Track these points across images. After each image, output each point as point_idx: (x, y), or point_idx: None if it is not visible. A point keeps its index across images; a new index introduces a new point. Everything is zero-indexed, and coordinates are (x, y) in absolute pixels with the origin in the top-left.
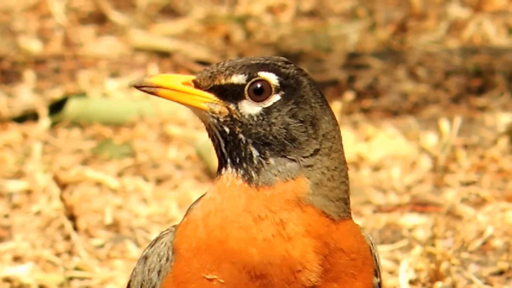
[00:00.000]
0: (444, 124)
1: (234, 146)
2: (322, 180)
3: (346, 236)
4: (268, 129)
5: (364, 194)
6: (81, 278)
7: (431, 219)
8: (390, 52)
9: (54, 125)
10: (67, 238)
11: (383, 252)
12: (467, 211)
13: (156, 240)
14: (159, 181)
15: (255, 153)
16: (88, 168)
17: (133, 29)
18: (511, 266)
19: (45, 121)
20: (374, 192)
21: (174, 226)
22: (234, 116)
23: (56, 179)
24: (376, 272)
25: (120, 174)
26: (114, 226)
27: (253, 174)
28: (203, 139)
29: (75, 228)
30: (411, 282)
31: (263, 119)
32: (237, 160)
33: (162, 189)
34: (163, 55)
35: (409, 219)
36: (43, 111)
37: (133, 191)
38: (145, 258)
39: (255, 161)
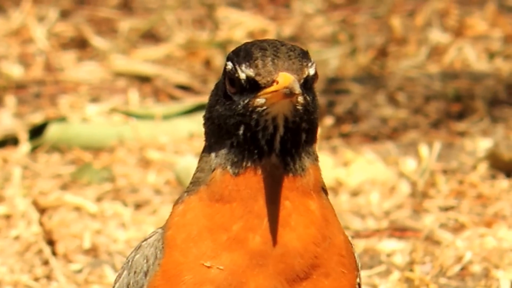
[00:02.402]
0: (423, 149)
1: (292, 135)
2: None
3: (338, 232)
4: (315, 115)
5: (342, 219)
6: None
7: (410, 244)
8: (370, 77)
9: (34, 149)
10: (46, 262)
11: (361, 278)
12: (446, 236)
13: (140, 246)
14: (138, 206)
15: (303, 139)
16: (67, 193)
17: (114, 54)
18: None
19: (25, 145)
20: (353, 217)
21: (160, 227)
22: (308, 106)
23: (35, 203)
24: (358, 272)
25: (99, 199)
26: (93, 251)
27: (295, 162)
28: (182, 163)
29: (54, 253)
30: None
31: (314, 105)
32: (287, 148)
33: (141, 214)
34: (143, 80)
35: (388, 245)
36: (23, 136)
37: (112, 215)
38: (130, 262)
39: (301, 148)
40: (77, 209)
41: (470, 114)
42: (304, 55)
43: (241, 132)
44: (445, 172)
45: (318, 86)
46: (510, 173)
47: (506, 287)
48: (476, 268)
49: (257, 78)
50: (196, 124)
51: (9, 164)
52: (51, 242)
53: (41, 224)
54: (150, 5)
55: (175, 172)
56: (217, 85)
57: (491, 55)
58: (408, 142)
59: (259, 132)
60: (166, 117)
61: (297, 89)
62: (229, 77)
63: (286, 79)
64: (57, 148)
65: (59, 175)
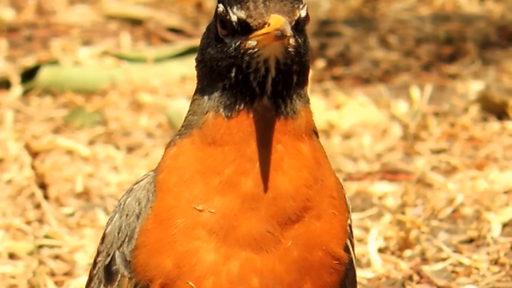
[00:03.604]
0: (415, 92)
1: (284, 77)
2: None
3: (329, 174)
4: (306, 57)
5: (334, 162)
6: (51, 246)
7: (401, 187)
8: (361, 20)
9: (26, 93)
10: (38, 206)
11: (353, 220)
12: (437, 179)
13: (132, 189)
14: (130, 149)
15: (295, 81)
16: (59, 136)
17: None
18: (480, 234)
19: (17, 89)
20: (345, 160)
21: (152, 170)
22: (299, 49)
23: (27, 147)
24: (349, 214)
25: (91, 142)
26: (85, 194)
27: (286, 104)
28: (175, 106)
29: (46, 197)
30: (380, 250)
31: (305, 48)
32: (279, 91)
33: (133, 157)
34: (135, 23)
35: (379, 187)
36: (15, 79)
37: (104, 159)
38: (122, 205)
39: (292, 90)
40: (69, 152)
41: (462, 56)
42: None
43: (233, 74)
44: (436, 114)
45: (309, 28)
46: (501, 115)
47: (497, 230)
48: (468, 211)
49: (249, 20)
50: (188, 67)
51: (1, 107)
52: (43, 186)
53: (33, 167)
54: None
55: (167, 115)
56: (208, 28)
57: None
58: (400, 85)
59: (250, 74)
60: (158, 60)
61: (289, 31)
62: (220, 19)
63: (277, 21)
64: (49, 91)
65: (51, 119)
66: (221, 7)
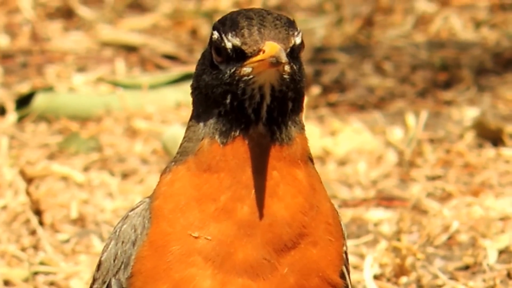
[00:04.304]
0: (410, 118)
1: (279, 104)
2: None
3: (325, 200)
4: (302, 84)
5: (329, 188)
6: (46, 273)
7: (397, 213)
8: (356, 47)
9: (21, 119)
10: (33, 232)
11: (348, 246)
12: (433, 205)
13: (127, 216)
14: (125, 175)
15: (290, 108)
16: (54, 163)
17: (101, 24)
18: (476, 261)
19: (12, 115)
20: (340, 187)
21: (148, 197)
22: (294, 75)
23: (22, 173)
24: (344, 241)
25: (86, 169)
26: (80, 221)
27: (282, 131)
28: (169, 132)
29: (41, 223)
30: (376, 277)
31: (300, 74)
32: (274, 117)
33: (128, 184)
34: (130, 49)
35: (375, 214)
36: (10, 106)
37: (99, 185)
38: (118, 232)
39: (287, 117)
40: (64, 178)
41: (457, 83)
42: (291, 24)
43: (228, 101)
44: (432, 141)
45: (304, 55)
46: (496, 142)
47: (493, 256)
48: (463, 237)
49: (244, 47)
50: (183, 93)
51: None
52: (38, 212)
53: (28, 193)
54: None
55: (162, 142)
56: (203, 55)
57: (477, 24)
58: (395, 111)
59: (246, 100)
60: (153, 86)
61: (284, 58)
62: (215, 46)
63: (272, 48)
64: (44, 117)
65: (46, 145)
66: (216, 34)
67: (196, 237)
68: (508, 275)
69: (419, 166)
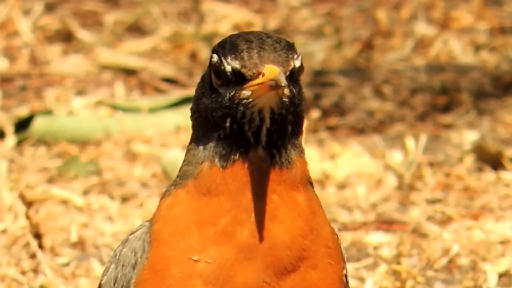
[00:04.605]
0: (409, 142)
1: (278, 127)
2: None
3: (325, 224)
4: (301, 107)
5: (329, 212)
6: None
7: (397, 237)
8: (356, 70)
9: (20, 143)
10: (33, 256)
11: (348, 270)
12: (433, 229)
13: (127, 239)
14: (124, 199)
15: (289, 131)
16: (54, 186)
17: (100, 47)
18: (476, 284)
19: (11, 139)
20: (340, 210)
21: (147, 221)
22: (294, 99)
23: (22, 197)
24: (344, 264)
25: (85, 192)
26: (80, 244)
27: (281, 154)
28: (169, 156)
29: (41, 246)
30: None
31: (300, 98)
32: (274, 141)
33: (128, 207)
34: (129, 72)
35: (375, 237)
36: (9, 129)
37: (99, 209)
38: (118, 255)
39: (287, 140)
40: (64, 202)
41: (456, 106)
42: (290, 47)
43: (227, 124)
44: (431, 164)
45: (304, 78)
46: (496, 165)
47: (493, 280)
48: (464, 261)
49: (243, 70)
50: (183, 117)
51: None
52: (38, 236)
53: (28, 217)
54: None
55: (162, 165)
56: (203, 78)
57: (477, 48)
58: (395, 135)
59: (245, 124)
60: (152, 110)
61: (283, 81)
62: (215, 69)
63: (272, 71)
64: (43, 141)
65: (45, 169)
66: (215, 57)
67: (196, 261)
68: None
69: (418, 190)
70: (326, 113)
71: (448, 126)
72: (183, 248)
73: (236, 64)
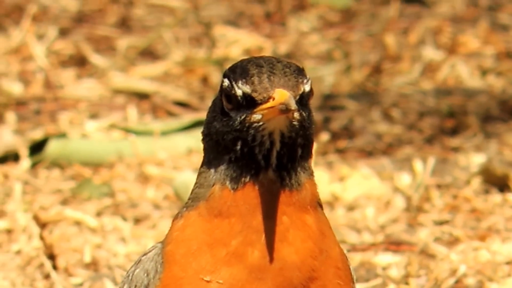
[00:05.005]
0: (418, 165)
1: (288, 150)
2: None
3: (334, 245)
4: (311, 130)
5: (338, 233)
6: None
7: (405, 257)
8: (365, 94)
9: (34, 165)
10: (47, 276)
11: None
12: (440, 250)
13: (140, 260)
14: (137, 221)
15: (299, 154)
16: (67, 208)
17: (113, 72)
18: None
19: (25, 161)
20: (349, 232)
21: (160, 242)
22: (303, 122)
23: (36, 218)
24: (353, 285)
25: (99, 214)
26: (93, 265)
27: (291, 177)
28: (181, 178)
29: (55, 267)
30: None
31: (309, 121)
32: (284, 163)
33: (140, 229)
34: (142, 96)
35: (383, 258)
36: (24, 152)
37: (112, 230)
38: (131, 276)
39: (296, 163)
40: (77, 223)
41: (464, 130)
42: (300, 72)
43: (238, 147)
44: (439, 187)
45: (313, 102)
46: (503, 187)
47: None
48: (471, 281)
49: (254, 95)
50: (194, 140)
51: (10, 179)
52: (52, 256)
53: (42, 238)
54: (147, 23)
55: (174, 187)
56: (214, 102)
57: (484, 72)
58: (403, 158)
59: (256, 147)
60: (165, 133)
61: (293, 105)
62: (226, 93)
63: (282, 95)
64: (57, 163)
65: (59, 190)
66: (226, 82)
67: (208, 281)
68: None
69: (426, 211)
70: (335, 136)
71: (455, 149)
72: (195, 269)
73: (247, 89)
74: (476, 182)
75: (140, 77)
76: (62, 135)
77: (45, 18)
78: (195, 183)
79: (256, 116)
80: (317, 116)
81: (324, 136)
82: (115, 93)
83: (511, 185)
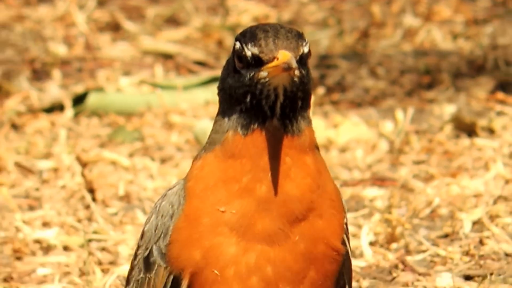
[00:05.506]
0: (399, 114)
1: (290, 102)
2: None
3: (329, 181)
4: (309, 86)
5: (333, 171)
6: (98, 240)
7: (388, 191)
8: (355, 55)
9: (76, 114)
10: (87, 207)
11: (348, 219)
12: (418, 185)
13: (166, 194)
14: (163, 161)
15: (299, 105)
16: (105, 150)
17: (142, 36)
18: (454, 230)
19: (69, 111)
20: (341, 170)
21: (182, 179)
22: (303, 79)
23: (78, 159)
24: (345, 214)
25: (131, 155)
26: (126, 198)
27: (293, 124)
28: (200, 126)
29: (94, 199)
30: (371, 244)
31: (308, 78)
32: (286, 113)
33: (166, 167)
34: (167, 57)
35: (370, 192)
36: (68, 103)
37: (142, 168)
38: (158, 207)
39: (297, 113)
40: (113, 163)
41: (438, 84)
42: (300, 36)
43: (248, 100)
44: (417, 132)
45: (311, 62)
46: (471, 133)
47: (468, 227)
48: (443, 211)
49: (261, 55)
50: (211, 93)
51: (56, 126)
52: (91, 191)
53: (83, 175)
54: None
55: (194, 133)
56: (227, 62)
57: (455, 36)
58: (387, 108)
59: (263, 99)
60: (186, 87)
61: (294, 64)
62: (237, 54)
63: (284, 56)
64: (96, 113)
65: (98, 136)
66: (238, 45)
67: (223, 211)
68: (480, 241)
69: (406, 153)
70: (330, 90)
71: (431, 101)
72: (212, 201)
73: (255, 50)
74: (448, 129)
75: (166, 41)
76: (100, 89)
77: None
78: (212, 130)
79: (263, 73)
80: (314, 74)
81: (321, 90)
82: (144, 54)
83: (477, 131)
